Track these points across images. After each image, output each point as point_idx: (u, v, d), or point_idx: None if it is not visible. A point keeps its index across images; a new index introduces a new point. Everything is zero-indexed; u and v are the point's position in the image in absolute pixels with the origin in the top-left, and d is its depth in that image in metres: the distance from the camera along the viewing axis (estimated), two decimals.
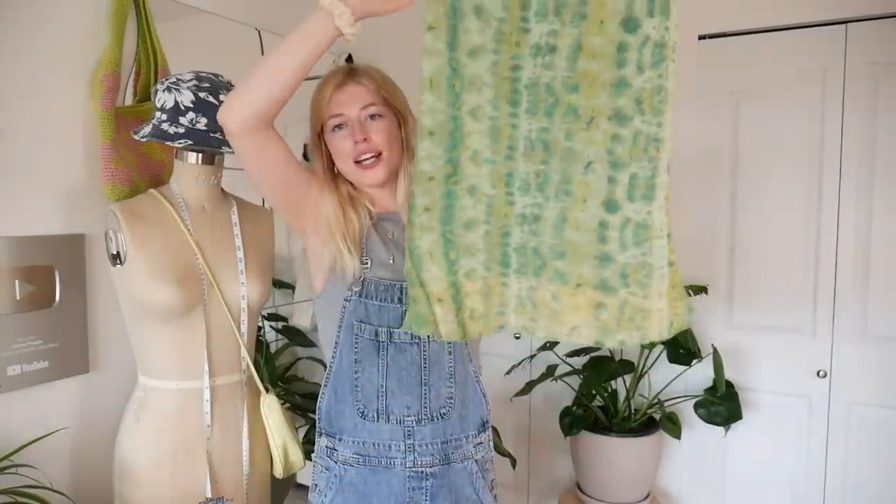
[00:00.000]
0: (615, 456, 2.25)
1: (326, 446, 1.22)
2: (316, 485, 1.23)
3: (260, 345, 1.96)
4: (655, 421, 2.32)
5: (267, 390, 1.44)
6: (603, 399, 2.40)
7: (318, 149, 1.22)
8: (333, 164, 1.21)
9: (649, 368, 2.33)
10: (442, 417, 1.19)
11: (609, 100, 0.99)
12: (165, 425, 1.33)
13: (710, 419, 2.24)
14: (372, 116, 1.17)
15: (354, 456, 1.19)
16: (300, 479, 2.36)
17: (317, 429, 1.24)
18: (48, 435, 1.32)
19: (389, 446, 1.17)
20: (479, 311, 1.10)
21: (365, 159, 1.16)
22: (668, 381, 2.33)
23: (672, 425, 2.25)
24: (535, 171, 1.04)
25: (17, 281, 1.32)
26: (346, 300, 1.17)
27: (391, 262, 1.19)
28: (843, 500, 2.22)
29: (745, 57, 2.30)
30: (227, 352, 1.39)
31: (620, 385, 2.41)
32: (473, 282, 1.08)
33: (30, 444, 1.27)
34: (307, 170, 1.21)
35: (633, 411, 2.34)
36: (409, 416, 1.17)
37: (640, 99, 0.98)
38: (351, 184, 1.22)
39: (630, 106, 0.99)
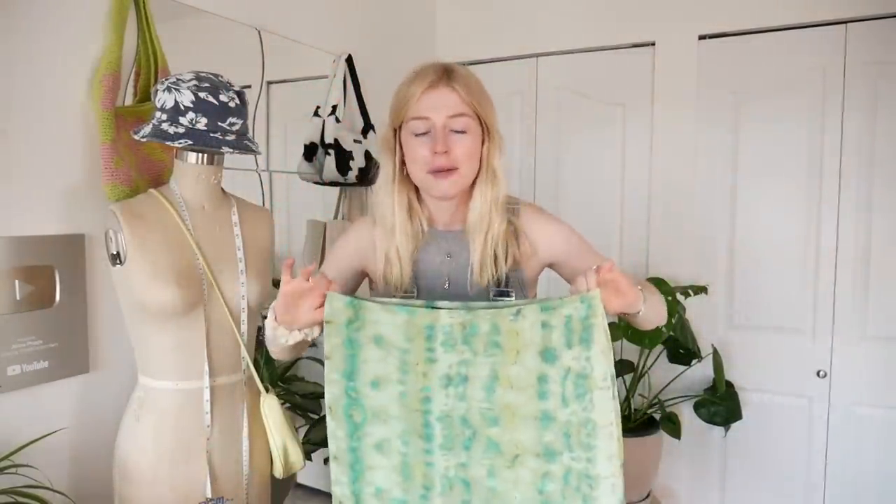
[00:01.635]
0: None
1: None
2: None
3: (260, 345, 1.95)
4: (655, 421, 2.31)
5: (267, 390, 1.44)
6: None
7: (389, 146, 1.17)
8: (404, 164, 1.16)
9: (649, 368, 2.33)
10: None
11: (535, 434, 0.94)
12: (165, 425, 1.33)
13: (710, 419, 2.24)
14: (457, 131, 1.10)
15: None
16: (300, 479, 2.36)
17: None
18: (48, 435, 1.32)
19: None
20: None
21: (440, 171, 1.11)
22: (668, 381, 2.33)
23: (672, 425, 2.25)
24: None
25: (17, 281, 1.32)
26: None
27: (446, 286, 1.16)
28: (843, 499, 2.22)
29: (745, 57, 2.30)
30: (227, 352, 1.39)
31: (620, 385, 2.41)
32: None
33: (30, 444, 1.26)
34: (345, 262, 1.24)
35: (633, 411, 2.34)
36: None
37: (568, 433, 0.93)
38: (416, 192, 1.18)
39: (559, 441, 0.94)
